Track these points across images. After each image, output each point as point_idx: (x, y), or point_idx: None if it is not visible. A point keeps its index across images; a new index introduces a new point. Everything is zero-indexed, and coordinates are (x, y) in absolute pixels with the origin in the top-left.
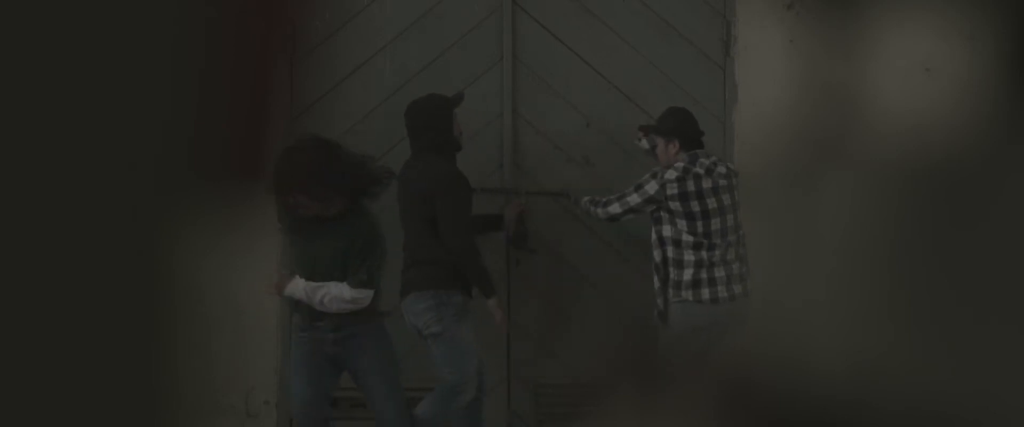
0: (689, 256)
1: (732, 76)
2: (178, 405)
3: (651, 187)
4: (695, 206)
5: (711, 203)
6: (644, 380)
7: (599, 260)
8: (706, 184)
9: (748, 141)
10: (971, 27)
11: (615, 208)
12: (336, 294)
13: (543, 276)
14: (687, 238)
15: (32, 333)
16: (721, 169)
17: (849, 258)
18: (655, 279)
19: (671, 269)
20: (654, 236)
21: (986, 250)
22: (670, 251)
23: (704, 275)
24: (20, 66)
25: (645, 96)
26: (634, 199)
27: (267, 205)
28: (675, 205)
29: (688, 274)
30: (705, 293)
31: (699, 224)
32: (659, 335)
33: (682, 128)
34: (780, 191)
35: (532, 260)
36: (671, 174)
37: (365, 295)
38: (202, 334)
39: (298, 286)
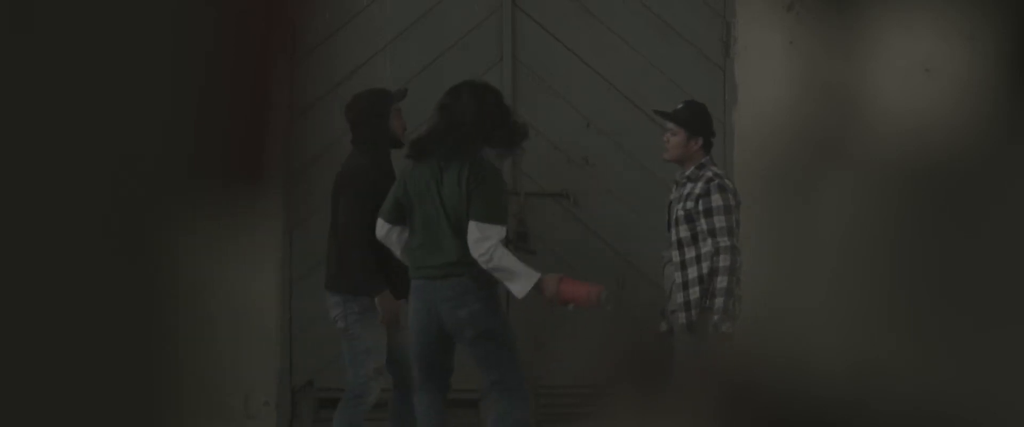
0: (725, 280)
1: (732, 77)
2: (178, 406)
3: (731, 199)
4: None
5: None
6: (643, 382)
7: (599, 261)
8: None
9: (748, 142)
10: (971, 27)
11: (725, 241)
12: None
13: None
14: (726, 249)
15: (31, 333)
16: None
17: (849, 258)
18: (682, 294)
19: (724, 279)
20: (693, 251)
21: (987, 251)
22: (708, 264)
23: (737, 290)
24: (19, 66)
25: (645, 97)
26: (734, 217)
27: (269, 206)
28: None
29: (733, 290)
30: (737, 309)
31: (736, 235)
32: (679, 346)
33: (705, 126)
34: (780, 192)
35: (531, 260)
36: (728, 181)
37: None
38: (202, 334)
39: None
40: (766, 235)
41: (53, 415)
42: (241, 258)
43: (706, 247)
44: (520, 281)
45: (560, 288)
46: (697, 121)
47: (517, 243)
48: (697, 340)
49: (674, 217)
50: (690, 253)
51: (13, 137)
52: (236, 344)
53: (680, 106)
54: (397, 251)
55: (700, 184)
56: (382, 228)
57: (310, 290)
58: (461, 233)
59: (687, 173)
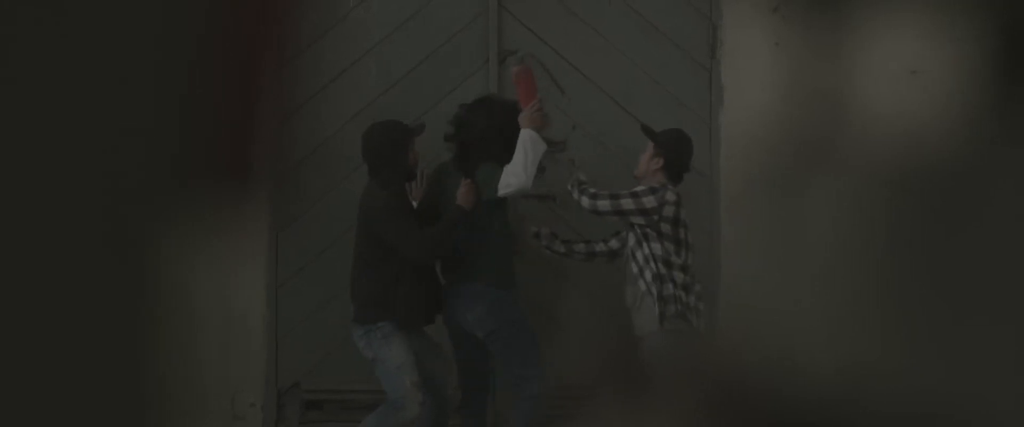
0: (678, 277)
1: (718, 79)
2: (164, 407)
3: (649, 201)
4: (682, 234)
5: (690, 237)
6: (629, 384)
7: (585, 262)
8: (683, 216)
9: (734, 144)
10: (958, 29)
11: (605, 204)
12: None
13: (528, 279)
14: (675, 260)
15: (17, 335)
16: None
17: (836, 260)
18: (653, 288)
19: (665, 285)
20: (641, 255)
21: (974, 253)
22: (661, 268)
23: (691, 300)
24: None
25: (631, 99)
26: (628, 204)
27: (256, 207)
28: (666, 227)
29: (679, 296)
30: (693, 318)
31: (684, 251)
32: (643, 351)
33: (676, 153)
34: (766, 193)
35: (522, 264)
36: (671, 196)
37: None
38: (189, 335)
39: None
40: (752, 237)
41: (39, 416)
42: (228, 259)
43: (655, 251)
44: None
45: (520, 79)
46: (664, 139)
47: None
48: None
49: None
50: (643, 261)
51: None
52: (223, 345)
53: (666, 130)
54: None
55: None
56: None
57: (297, 291)
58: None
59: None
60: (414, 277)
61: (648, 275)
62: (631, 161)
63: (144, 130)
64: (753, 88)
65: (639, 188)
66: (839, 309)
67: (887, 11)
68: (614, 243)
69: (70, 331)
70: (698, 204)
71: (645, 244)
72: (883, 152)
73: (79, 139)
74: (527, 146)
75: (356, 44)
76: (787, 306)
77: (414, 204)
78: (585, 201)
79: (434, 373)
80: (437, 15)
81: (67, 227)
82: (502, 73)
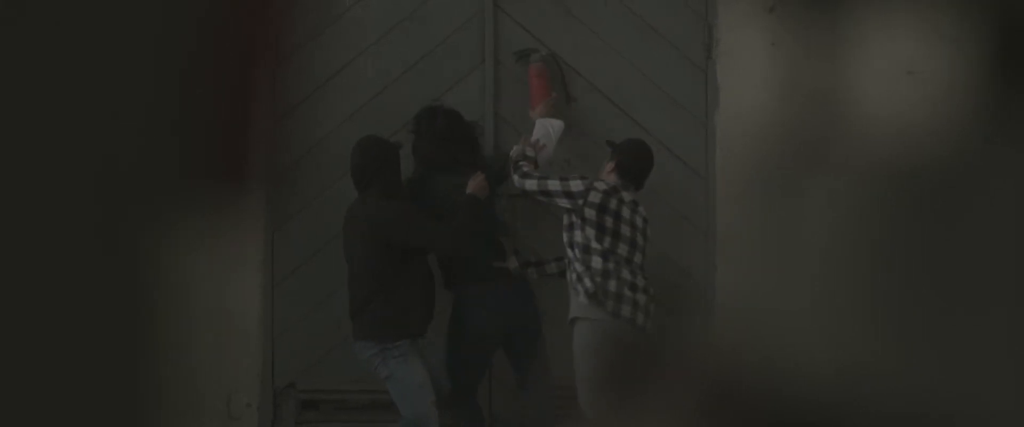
0: (597, 264)
1: (714, 79)
2: (160, 406)
3: (576, 184)
4: (608, 222)
5: (625, 230)
6: (624, 382)
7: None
8: (625, 213)
9: (730, 144)
10: (953, 30)
11: (532, 184)
12: None
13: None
14: (596, 246)
15: (15, 334)
16: (642, 211)
17: (832, 260)
18: (570, 274)
19: (581, 275)
20: (567, 242)
21: (969, 252)
22: (578, 254)
23: (612, 287)
24: (3, 67)
25: (627, 99)
26: (554, 185)
27: (252, 207)
28: (590, 213)
29: (593, 282)
30: (609, 305)
31: (607, 240)
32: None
33: (626, 159)
34: (762, 194)
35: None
36: (601, 184)
37: None
38: (185, 336)
39: None
40: (748, 237)
41: (37, 414)
42: (224, 259)
43: (575, 238)
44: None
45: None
46: (620, 147)
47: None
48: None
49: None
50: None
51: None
52: (218, 345)
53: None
54: None
55: None
56: None
57: (293, 291)
58: None
59: None
60: (424, 290)
61: (568, 262)
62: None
63: (141, 131)
64: (749, 88)
65: (569, 175)
66: (836, 309)
67: (883, 11)
68: (553, 267)
69: (67, 331)
70: (694, 204)
71: (570, 232)
72: (879, 152)
73: (75, 140)
74: (549, 129)
75: (352, 44)
76: (784, 306)
77: None
78: (515, 179)
79: (439, 381)
80: (433, 15)
81: (64, 227)
82: (497, 72)
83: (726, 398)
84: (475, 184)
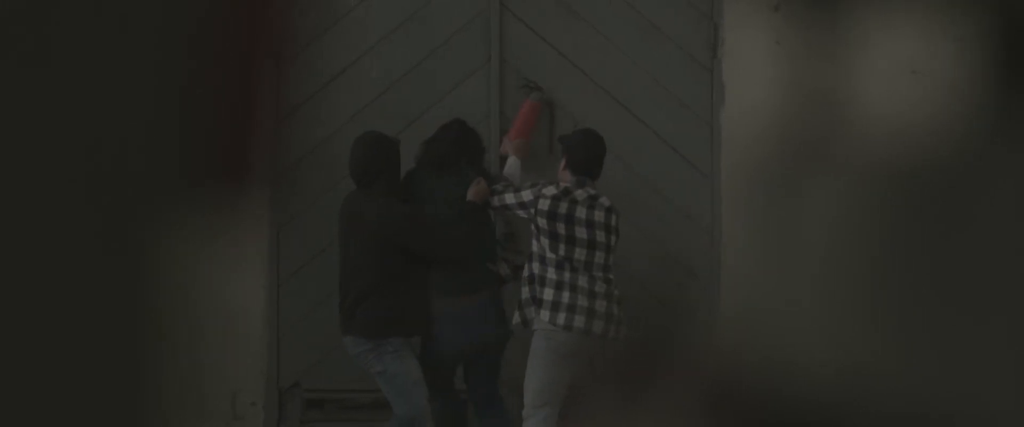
0: (552, 275)
1: (718, 78)
2: (165, 405)
3: (527, 194)
4: (561, 229)
5: (580, 233)
6: (624, 381)
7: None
8: (580, 213)
9: (735, 143)
10: (957, 29)
11: (497, 200)
12: None
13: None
14: (550, 256)
15: (20, 334)
16: (604, 203)
17: (835, 259)
18: (524, 290)
19: (536, 286)
20: (530, 250)
21: (972, 252)
22: (536, 268)
23: (565, 299)
24: (7, 69)
25: (632, 98)
26: (510, 199)
27: (256, 206)
28: (541, 222)
29: (549, 294)
30: (561, 318)
31: (562, 247)
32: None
33: (575, 150)
34: (767, 192)
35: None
36: (549, 190)
37: None
38: (189, 336)
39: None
40: (752, 235)
41: (42, 414)
42: (228, 258)
43: (533, 247)
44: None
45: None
46: (566, 140)
47: (504, 243)
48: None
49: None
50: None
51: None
52: (223, 344)
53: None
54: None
55: None
56: None
57: (297, 290)
58: None
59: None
60: (422, 293)
61: (527, 272)
62: (632, 159)
63: (144, 131)
64: (754, 87)
65: (528, 184)
66: (838, 308)
67: (887, 11)
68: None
69: (72, 331)
70: (698, 203)
71: (532, 241)
72: (883, 151)
73: (79, 141)
74: (515, 168)
75: (355, 43)
76: (787, 305)
77: None
78: (492, 200)
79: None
80: (438, 14)
81: (68, 228)
82: (502, 72)
83: (729, 396)
84: (475, 190)
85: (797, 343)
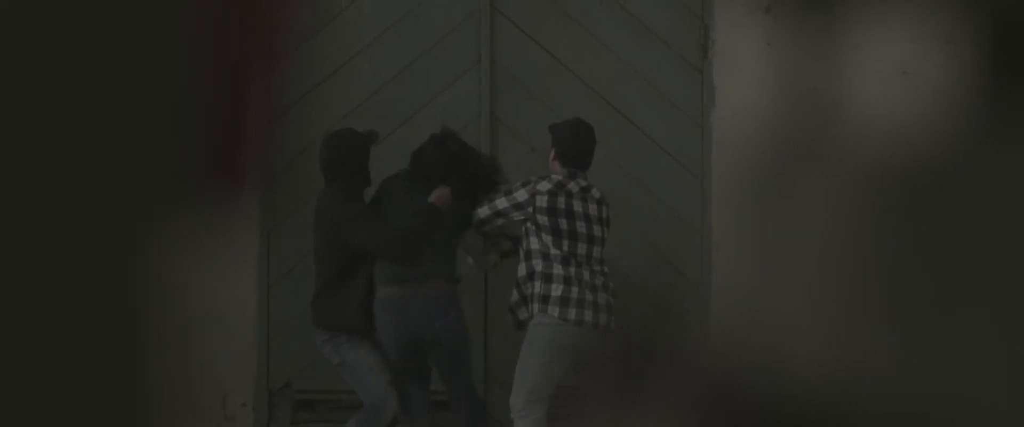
0: (558, 270)
1: (709, 79)
2: (157, 406)
3: (520, 194)
4: (563, 224)
5: (580, 227)
6: (618, 382)
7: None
8: (577, 207)
9: (726, 144)
10: (948, 31)
11: (485, 211)
12: None
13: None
14: (555, 252)
15: (12, 334)
16: (595, 194)
17: (827, 260)
18: (514, 292)
19: (539, 283)
20: (523, 249)
21: (963, 252)
22: (539, 265)
23: (574, 294)
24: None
25: (623, 99)
26: (502, 203)
27: (247, 207)
28: (543, 219)
29: (557, 290)
30: (572, 313)
31: (565, 242)
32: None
33: (565, 141)
34: (758, 193)
35: (504, 264)
36: (544, 185)
37: None
38: (181, 336)
39: None
40: (743, 237)
41: (34, 415)
42: (219, 259)
43: (532, 245)
44: None
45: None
46: (555, 132)
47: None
48: (525, 343)
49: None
50: (523, 256)
51: None
52: (214, 345)
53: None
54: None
55: None
56: None
57: (288, 291)
58: None
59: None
60: (363, 291)
61: (524, 271)
62: (623, 161)
63: (136, 133)
64: (745, 88)
65: (512, 185)
66: (830, 308)
67: (878, 12)
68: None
69: (63, 331)
70: (689, 204)
71: (526, 239)
72: (874, 152)
73: (70, 141)
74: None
75: (347, 44)
76: (779, 305)
77: None
78: (475, 226)
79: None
80: (429, 15)
81: (62, 228)
82: (493, 73)
83: (721, 397)
84: (438, 194)
85: (789, 343)
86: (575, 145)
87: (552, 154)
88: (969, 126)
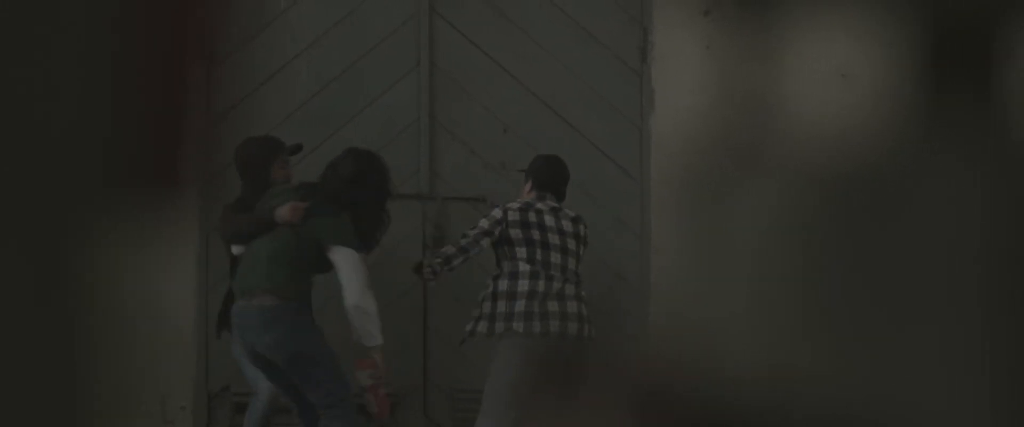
0: (524, 287)
1: (649, 83)
2: (93, 410)
3: (496, 212)
4: (535, 234)
5: (553, 238)
6: (561, 386)
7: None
8: (549, 221)
9: (665, 147)
10: (887, 33)
11: (468, 241)
12: None
13: (459, 281)
14: (524, 268)
15: None
16: (569, 213)
17: (766, 264)
18: (475, 311)
19: (501, 302)
20: (495, 272)
21: (903, 255)
22: (504, 284)
23: (536, 308)
24: None
25: (563, 103)
26: (483, 222)
27: (185, 210)
28: (515, 233)
29: (520, 305)
30: (536, 326)
31: (538, 252)
32: (492, 364)
33: (539, 173)
34: (697, 197)
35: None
36: (513, 205)
37: None
38: (118, 339)
39: None
40: (682, 241)
41: None
42: (157, 262)
43: (503, 267)
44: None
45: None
46: (529, 167)
47: (434, 247)
48: (493, 359)
49: None
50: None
51: None
52: (152, 348)
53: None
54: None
55: None
56: None
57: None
58: None
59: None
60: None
61: (489, 289)
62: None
63: (71, 134)
64: (684, 91)
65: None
66: (769, 313)
67: (817, 14)
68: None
69: None
70: (629, 208)
71: (499, 264)
72: (813, 155)
73: (2, 143)
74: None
75: (286, 47)
76: (718, 309)
77: None
78: (438, 264)
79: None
80: (368, 18)
81: None
82: (432, 75)
83: (658, 400)
84: (287, 207)
85: (727, 348)
86: (547, 172)
87: (527, 187)
88: (909, 128)
